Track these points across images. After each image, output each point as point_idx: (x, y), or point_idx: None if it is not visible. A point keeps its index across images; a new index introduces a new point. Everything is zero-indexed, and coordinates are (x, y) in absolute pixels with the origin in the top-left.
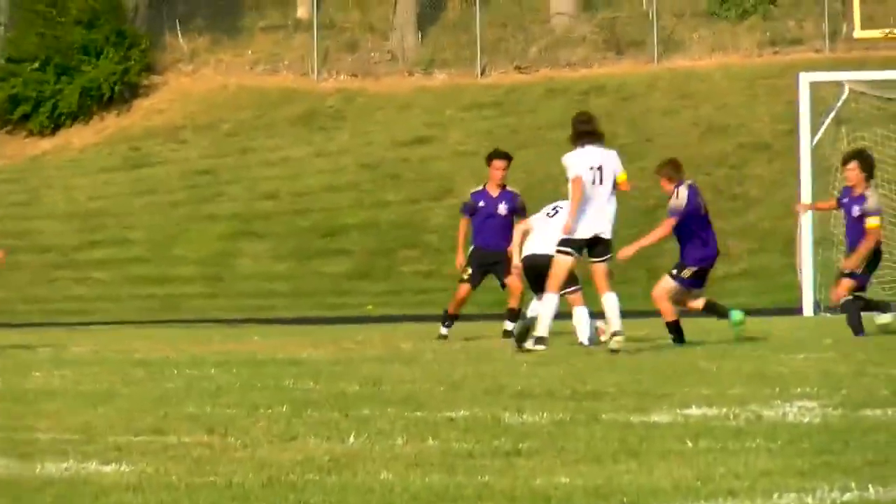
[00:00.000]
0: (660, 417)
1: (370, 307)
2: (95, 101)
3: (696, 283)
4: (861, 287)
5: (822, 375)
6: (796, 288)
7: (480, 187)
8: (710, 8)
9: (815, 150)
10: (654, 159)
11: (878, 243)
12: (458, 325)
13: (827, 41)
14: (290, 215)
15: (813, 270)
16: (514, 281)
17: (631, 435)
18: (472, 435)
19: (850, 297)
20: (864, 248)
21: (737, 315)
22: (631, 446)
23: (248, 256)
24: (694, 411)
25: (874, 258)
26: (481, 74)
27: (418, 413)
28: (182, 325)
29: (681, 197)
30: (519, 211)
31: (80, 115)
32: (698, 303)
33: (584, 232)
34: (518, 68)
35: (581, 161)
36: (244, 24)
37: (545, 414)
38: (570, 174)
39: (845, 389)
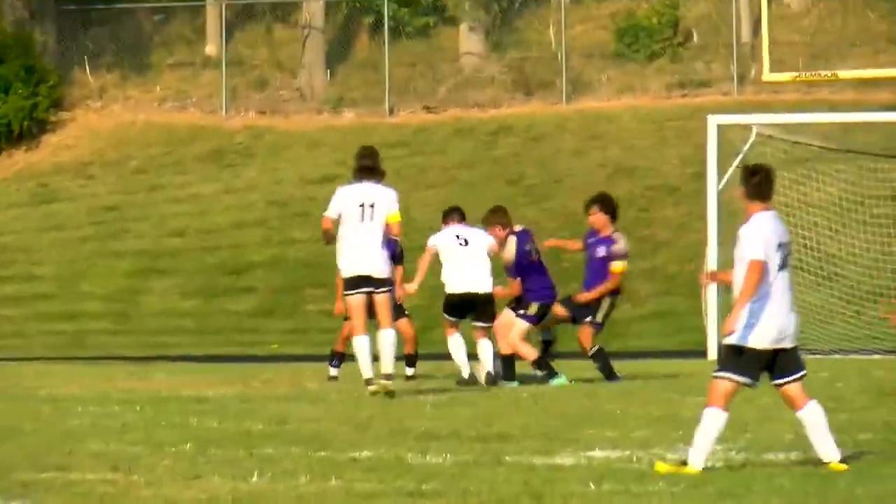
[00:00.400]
0: (563, 460)
1: (275, 346)
2: (4, 137)
3: (540, 320)
4: (597, 332)
5: (727, 419)
6: (702, 331)
7: None
8: (618, 49)
9: (722, 194)
10: (563, 200)
11: (618, 290)
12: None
13: (735, 84)
14: (197, 252)
15: (719, 313)
16: (406, 326)
17: (534, 477)
18: (375, 475)
19: (598, 347)
20: (604, 288)
21: (559, 381)
22: (534, 488)
23: (155, 293)
24: (598, 454)
25: (610, 308)
26: (390, 114)
27: (322, 453)
28: (89, 362)
29: (509, 249)
30: (397, 257)
31: None
32: (530, 352)
33: (354, 269)
34: (426, 108)
35: (349, 196)
36: (152, 60)
37: (449, 455)
38: (329, 210)
39: (750, 433)
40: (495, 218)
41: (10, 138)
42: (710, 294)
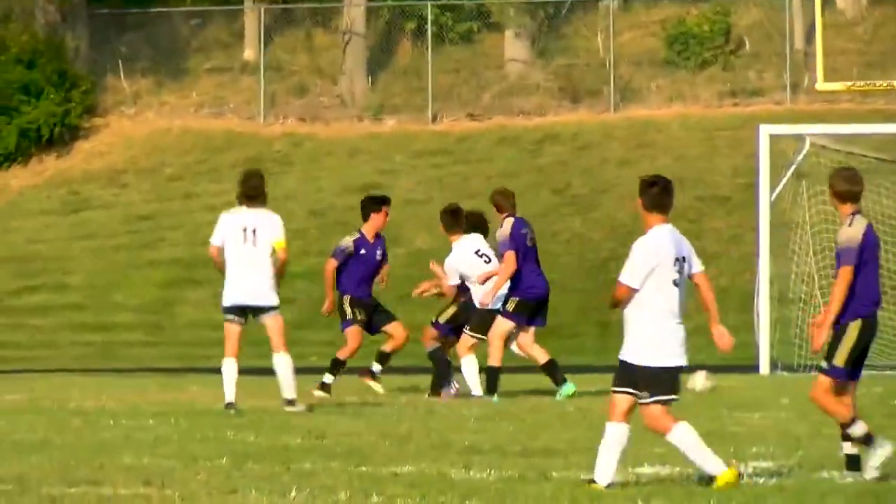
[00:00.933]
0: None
1: (314, 358)
2: (34, 143)
3: (530, 319)
4: (441, 336)
5: (778, 435)
6: (753, 345)
7: (358, 235)
8: (668, 57)
9: (775, 205)
10: (610, 210)
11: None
12: (392, 377)
13: (788, 93)
14: None
15: (770, 328)
16: (398, 330)
17: (581, 494)
18: (417, 491)
19: (433, 349)
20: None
21: (569, 389)
22: None
23: (190, 304)
24: (646, 470)
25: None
26: (432, 121)
27: (362, 468)
28: (121, 374)
29: (505, 227)
30: (385, 254)
31: (19, 156)
32: (538, 354)
33: (235, 297)
34: (470, 115)
35: (232, 222)
36: (189, 65)
37: (493, 470)
38: (213, 237)
39: (802, 450)
40: (501, 199)
41: (40, 144)
42: (762, 308)
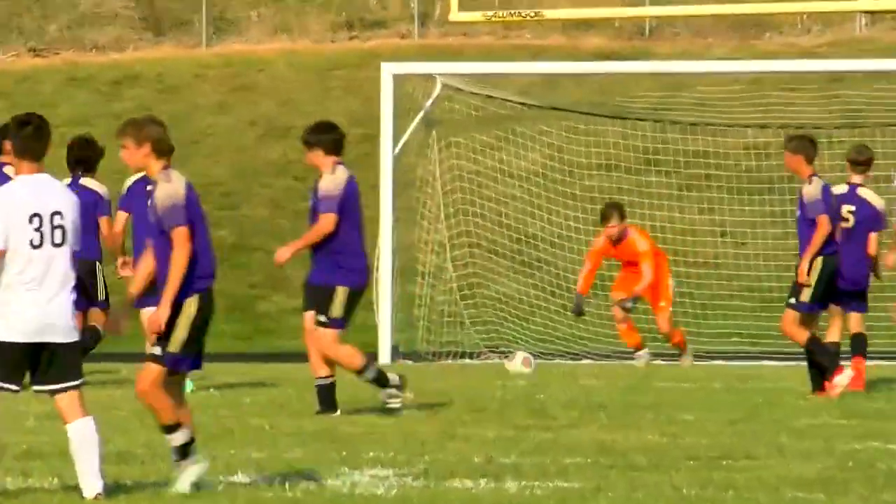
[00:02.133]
0: (201, 486)
1: None
2: None
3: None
4: None
5: (401, 437)
6: (372, 328)
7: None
8: None
9: (400, 159)
10: (202, 165)
11: None
12: None
13: (417, 25)
14: None
15: (392, 308)
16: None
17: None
18: None
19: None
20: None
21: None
22: None
23: None
24: (241, 478)
25: None
26: None
27: None
28: None
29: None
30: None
31: None
32: None
33: None
34: (33, 51)
35: None
36: None
37: (56, 479)
38: None
39: (428, 455)
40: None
41: None
42: (383, 285)
